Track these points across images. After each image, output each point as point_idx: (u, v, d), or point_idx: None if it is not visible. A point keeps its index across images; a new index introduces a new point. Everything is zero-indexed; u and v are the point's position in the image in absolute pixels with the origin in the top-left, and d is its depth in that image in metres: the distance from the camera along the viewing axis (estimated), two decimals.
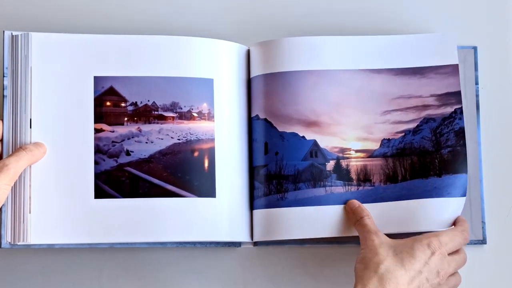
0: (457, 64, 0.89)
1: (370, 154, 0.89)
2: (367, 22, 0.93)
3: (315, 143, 0.89)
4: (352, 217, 0.85)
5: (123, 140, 0.87)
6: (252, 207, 0.88)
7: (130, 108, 0.88)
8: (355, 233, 0.85)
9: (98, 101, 0.87)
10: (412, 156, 0.88)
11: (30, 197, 0.84)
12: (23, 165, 0.82)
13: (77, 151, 0.86)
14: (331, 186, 0.88)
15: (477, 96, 0.91)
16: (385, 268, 0.77)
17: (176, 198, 0.86)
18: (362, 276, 0.78)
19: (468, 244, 0.87)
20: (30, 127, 0.85)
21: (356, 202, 0.86)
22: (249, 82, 0.91)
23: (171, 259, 0.89)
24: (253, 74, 0.90)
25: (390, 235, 0.83)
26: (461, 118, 0.88)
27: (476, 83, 0.91)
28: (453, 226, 0.85)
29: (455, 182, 0.86)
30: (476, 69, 0.92)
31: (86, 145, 0.86)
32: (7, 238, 0.84)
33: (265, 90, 0.89)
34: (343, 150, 0.89)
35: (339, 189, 0.88)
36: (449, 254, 0.81)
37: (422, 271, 0.78)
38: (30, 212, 0.84)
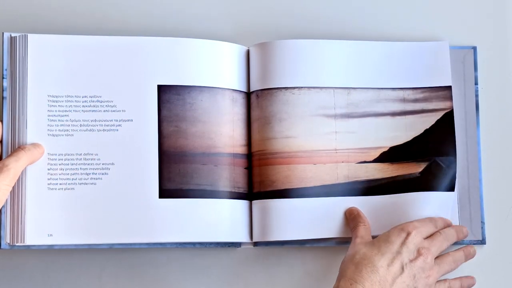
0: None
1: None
2: (367, 25, 0.93)
3: None
4: (350, 224, 0.86)
5: None
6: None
7: None
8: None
9: None
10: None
11: (25, 198, 0.84)
12: (23, 165, 0.82)
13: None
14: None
15: (476, 96, 0.91)
16: (360, 256, 0.79)
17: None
18: (341, 270, 0.80)
19: (468, 244, 0.88)
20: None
21: (355, 210, 0.86)
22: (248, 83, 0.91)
23: (171, 259, 0.89)
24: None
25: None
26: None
27: (476, 83, 0.92)
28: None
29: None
30: (475, 69, 0.92)
31: None
32: (6, 239, 0.84)
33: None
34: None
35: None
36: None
37: (400, 252, 0.80)
38: (25, 213, 0.84)
